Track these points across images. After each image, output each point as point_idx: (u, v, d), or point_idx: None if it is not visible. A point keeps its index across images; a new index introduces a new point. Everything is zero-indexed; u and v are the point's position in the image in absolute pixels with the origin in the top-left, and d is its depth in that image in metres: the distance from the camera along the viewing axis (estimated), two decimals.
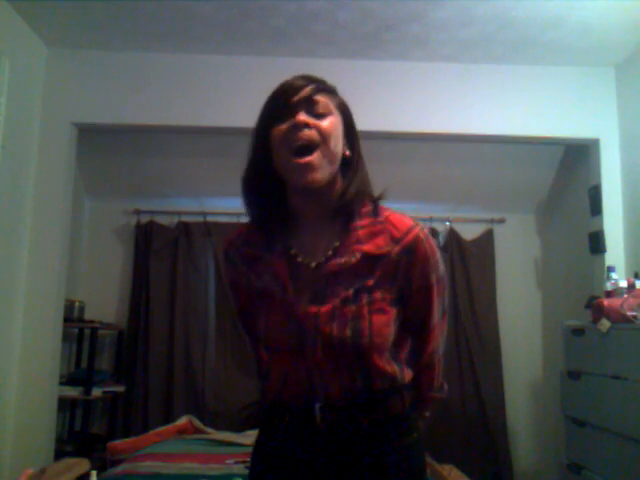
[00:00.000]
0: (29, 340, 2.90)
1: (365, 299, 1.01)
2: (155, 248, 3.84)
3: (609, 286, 2.70)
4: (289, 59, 3.18)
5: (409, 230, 1.06)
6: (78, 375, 3.43)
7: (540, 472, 3.80)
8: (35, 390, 2.88)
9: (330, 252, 1.04)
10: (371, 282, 1.02)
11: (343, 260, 1.02)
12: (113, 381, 3.65)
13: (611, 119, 3.21)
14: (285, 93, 1.04)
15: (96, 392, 3.33)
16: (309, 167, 0.98)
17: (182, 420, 3.30)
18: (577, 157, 3.53)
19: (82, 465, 2.68)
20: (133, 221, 3.95)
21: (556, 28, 2.83)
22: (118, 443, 3.00)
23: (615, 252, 3.06)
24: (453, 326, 3.84)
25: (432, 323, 1.13)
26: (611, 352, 2.44)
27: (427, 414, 1.23)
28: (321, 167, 1.00)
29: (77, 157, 3.25)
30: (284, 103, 1.02)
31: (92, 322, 3.51)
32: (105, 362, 3.84)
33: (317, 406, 1.02)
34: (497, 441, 3.70)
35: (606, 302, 2.49)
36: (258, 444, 1.13)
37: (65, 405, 3.54)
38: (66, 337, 3.35)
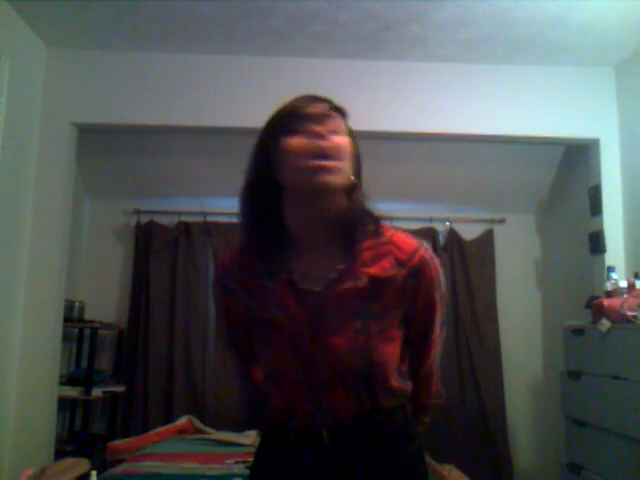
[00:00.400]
0: (29, 340, 2.90)
1: (374, 328, 0.99)
2: (155, 248, 3.84)
3: (609, 286, 2.70)
4: (289, 59, 3.18)
5: (414, 252, 1.04)
6: (78, 375, 3.43)
7: (540, 472, 3.80)
8: (35, 390, 2.88)
9: (335, 275, 1.00)
10: (378, 307, 1.00)
11: (350, 284, 0.99)
12: (113, 381, 3.65)
13: (611, 119, 3.21)
14: (299, 108, 1.00)
15: (96, 392, 3.33)
16: (328, 169, 0.95)
17: (182, 420, 3.30)
18: (577, 157, 3.53)
19: (82, 465, 2.69)
20: (133, 221, 3.95)
21: (556, 28, 2.83)
22: (118, 443, 3.00)
23: (615, 252, 3.06)
24: (453, 326, 3.84)
25: (433, 337, 1.15)
26: (611, 352, 2.44)
27: (426, 420, 1.25)
28: (337, 175, 0.97)
29: (77, 157, 3.25)
30: (299, 116, 0.98)
31: (92, 322, 3.51)
32: (105, 362, 3.84)
33: (324, 432, 1.01)
34: (497, 441, 3.69)
35: (606, 302, 2.49)
36: (259, 463, 1.12)
37: (65, 405, 3.54)
38: (66, 337, 3.35)
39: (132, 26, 2.91)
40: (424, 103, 3.20)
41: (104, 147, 3.71)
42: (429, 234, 3.94)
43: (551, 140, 3.30)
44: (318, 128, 0.97)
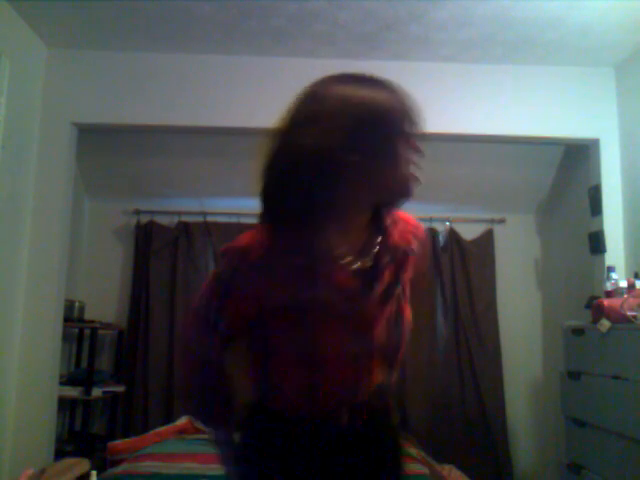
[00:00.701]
0: (29, 340, 2.90)
1: (401, 299, 1.05)
2: (155, 248, 3.84)
3: (609, 286, 2.70)
4: (289, 59, 3.18)
5: (418, 225, 1.10)
6: (78, 375, 3.43)
7: (540, 472, 3.80)
8: (35, 390, 2.88)
9: (375, 250, 0.99)
10: (404, 277, 1.05)
11: (388, 259, 1.00)
12: (113, 381, 3.65)
13: (611, 119, 3.21)
14: (416, 122, 1.01)
15: (96, 392, 3.33)
16: (416, 183, 0.98)
17: (182, 420, 3.30)
18: (577, 157, 3.53)
19: (82, 465, 2.69)
20: (133, 221, 3.95)
21: (556, 28, 2.83)
22: (118, 443, 3.00)
23: (615, 252, 3.06)
24: (453, 326, 3.84)
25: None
26: (611, 352, 2.44)
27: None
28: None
29: (77, 157, 3.25)
30: (417, 133, 0.99)
31: (92, 322, 3.51)
32: (105, 362, 3.84)
33: (344, 412, 1.00)
34: (497, 441, 3.70)
35: (606, 302, 2.49)
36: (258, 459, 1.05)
37: (65, 405, 3.54)
38: (66, 337, 3.35)
39: (132, 26, 2.91)
40: (424, 103, 3.18)
41: (104, 147, 3.71)
42: (429, 234, 3.94)
43: (551, 140, 3.30)
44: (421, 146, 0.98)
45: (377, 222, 1.01)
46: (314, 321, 0.97)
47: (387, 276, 0.99)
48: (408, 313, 1.07)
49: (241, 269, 0.98)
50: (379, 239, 1.00)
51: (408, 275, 1.07)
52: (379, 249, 0.99)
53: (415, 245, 1.05)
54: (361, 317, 0.98)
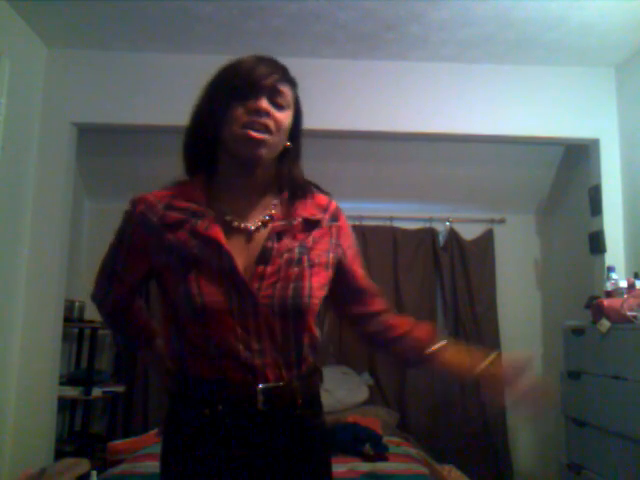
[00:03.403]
0: (29, 340, 2.90)
1: (306, 262, 1.07)
2: None
3: (609, 286, 2.70)
4: (289, 59, 3.12)
5: (330, 201, 1.18)
6: (78, 375, 3.42)
7: (540, 472, 3.80)
8: (35, 390, 2.88)
9: (267, 218, 1.09)
10: (310, 243, 1.09)
11: (285, 223, 1.09)
12: (113, 381, 3.65)
13: (611, 119, 3.21)
14: (251, 74, 1.09)
15: (96, 392, 3.33)
16: (260, 143, 1.04)
17: None
18: (577, 157, 3.53)
19: (82, 465, 2.69)
20: None
21: (556, 28, 2.83)
22: (118, 443, 3.00)
23: (615, 252, 3.06)
24: (453, 326, 3.84)
25: (373, 286, 1.20)
26: (611, 352, 2.44)
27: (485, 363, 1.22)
28: (268, 147, 1.06)
29: (77, 157, 3.24)
30: (249, 84, 1.07)
31: (92, 322, 3.51)
32: (105, 362, 3.84)
33: (259, 388, 1.02)
34: (497, 441, 3.70)
35: (606, 302, 2.49)
36: (176, 425, 1.08)
37: (65, 405, 3.54)
38: (66, 337, 3.35)
39: (132, 26, 2.91)
40: (424, 103, 3.20)
41: (104, 147, 3.71)
42: (429, 234, 3.95)
43: (551, 140, 3.30)
44: (264, 104, 1.05)
45: (280, 196, 1.13)
46: (196, 273, 1.02)
47: (285, 240, 1.07)
48: (317, 280, 1.07)
49: (140, 212, 1.11)
50: (273, 209, 1.10)
51: (323, 246, 1.11)
52: (274, 215, 1.09)
53: (321, 217, 1.13)
54: (233, 272, 1.02)
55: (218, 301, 1.01)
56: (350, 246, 1.18)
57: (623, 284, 2.64)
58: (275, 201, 1.12)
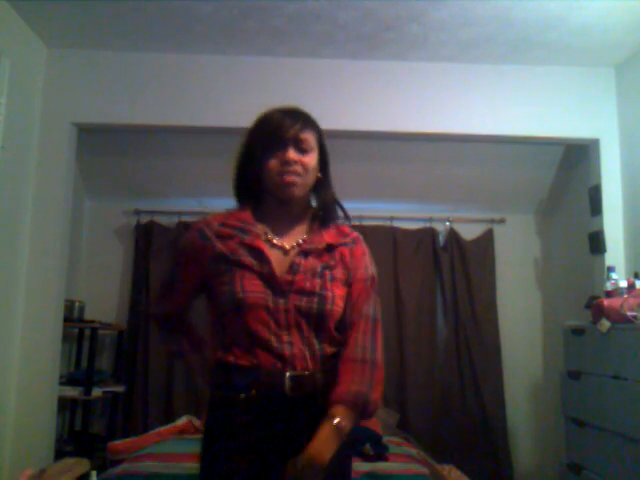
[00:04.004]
0: (29, 340, 2.90)
1: (328, 276, 1.28)
2: (155, 248, 3.84)
3: (609, 286, 2.70)
4: (289, 59, 3.18)
5: (351, 231, 1.40)
6: (78, 375, 3.43)
7: (540, 472, 3.80)
8: (35, 390, 2.88)
9: (300, 241, 1.32)
10: (332, 263, 1.31)
11: (312, 246, 1.31)
12: (113, 381, 3.65)
13: (611, 119, 3.21)
14: (277, 130, 1.28)
15: (96, 392, 3.33)
16: (292, 185, 1.27)
17: (182, 420, 3.30)
18: (577, 157, 3.53)
19: (82, 465, 2.69)
20: (133, 221, 3.95)
21: (556, 28, 2.83)
22: (118, 443, 3.00)
23: (615, 252, 3.06)
24: (453, 326, 3.84)
25: (361, 313, 1.30)
26: (611, 352, 2.44)
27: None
28: (299, 187, 1.29)
29: (77, 157, 3.25)
30: (277, 139, 1.27)
31: (92, 322, 3.51)
32: (105, 362, 3.84)
33: (288, 375, 1.20)
34: (497, 441, 3.70)
35: (606, 302, 2.49)
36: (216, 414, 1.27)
37: (65, 405, 3.54)
38: (66, 337, 3.36)
39: (132, 26, 2.91)
40: (424, 103, 3.20)
41: (104, 147, 3.71)
42: (429, 234, 3.95)
43: (551, 140, 3.30)
44: (291, 154, 1.26)
45: (312, 224, 1.36)
46: (240, 275, 1.24)
47: (311, 259, 1.29)
48: (338, 291, 1.27)
49: (199, 230, 1.32)
50: (305, 234, 1.33)
51: (342, 266, 1.31)
52: (305, 239, 1.32)
53: (341, 241, 1.34)
54: (271, 276, 1.24)
55: (257, 297, 1.22)
56: (358, 268, 1.33)
57: (623, 284, 2.64)
58: (307, 228, 1.35)
